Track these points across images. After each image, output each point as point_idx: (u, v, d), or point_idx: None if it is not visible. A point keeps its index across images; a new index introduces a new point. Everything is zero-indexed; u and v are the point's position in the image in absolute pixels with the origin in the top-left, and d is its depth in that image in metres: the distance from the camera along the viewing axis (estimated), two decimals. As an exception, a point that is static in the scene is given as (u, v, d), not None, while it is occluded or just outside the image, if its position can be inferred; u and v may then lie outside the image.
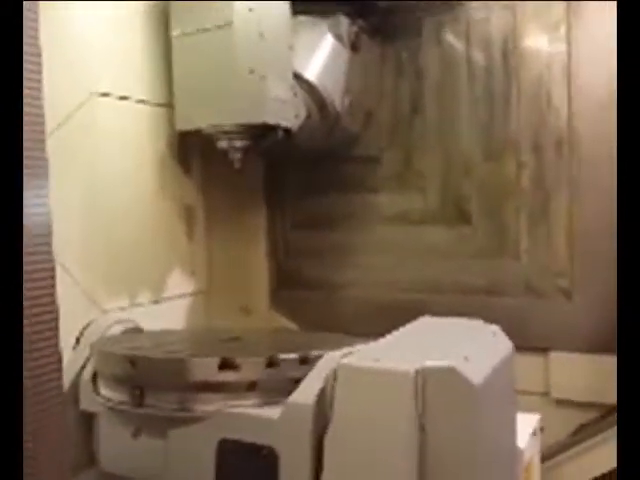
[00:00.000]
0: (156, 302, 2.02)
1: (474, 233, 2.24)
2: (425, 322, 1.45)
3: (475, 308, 2.12)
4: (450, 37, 2.29)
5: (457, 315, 1.51)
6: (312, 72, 2.15)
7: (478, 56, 2.25)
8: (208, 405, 1.32)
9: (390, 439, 1.08)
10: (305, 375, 1.26)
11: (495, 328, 1.38)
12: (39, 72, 1.03)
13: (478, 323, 1.42)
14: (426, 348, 1.22)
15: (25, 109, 0.98)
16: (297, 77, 2.08)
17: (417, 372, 1.08)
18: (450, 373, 1.07)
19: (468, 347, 1.19)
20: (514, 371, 1.33)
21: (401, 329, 1.38)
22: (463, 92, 2.27)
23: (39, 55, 1.04)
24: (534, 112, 2.15)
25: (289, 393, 1.25)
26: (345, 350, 1.26)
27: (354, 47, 2.32)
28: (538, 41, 2.15)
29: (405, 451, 1.07)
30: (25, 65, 0.98)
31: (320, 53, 2.21)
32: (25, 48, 0.99)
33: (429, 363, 1.09)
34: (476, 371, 1.10)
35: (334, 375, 1.17)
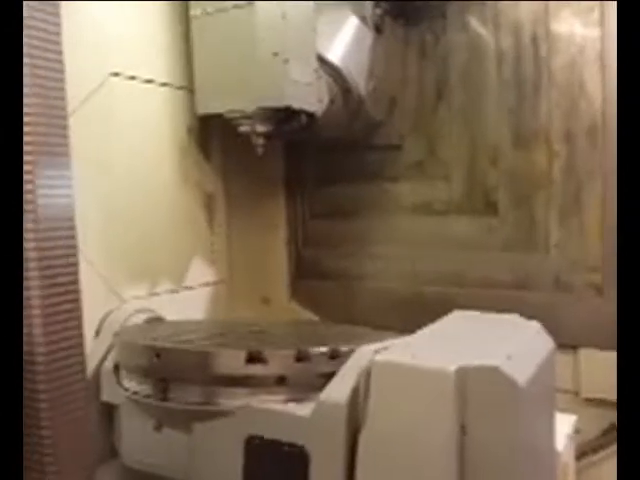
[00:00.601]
0: (176, 291, 1.98)
1: (501, 225, 2.17)
2: (459, 317, 1.39)
3: (501, 303, 2.07)
4: (476, 20, 2.21)
5: (482, 310, 1.45)
6: (336, 55, 2.08)
7: (506, 40, 2.17)
8: (235, 400, 1.28)
9: (429, 441, 1.03)
10: (335, 370, 1.21)
11: (535, 324, 1.32)
12: (59, 60, 0.98)
13: (516, 318, 1.36)
14: (465, 345, 1.17)
15: (46, 93, 0.94)
16: (320, 60, 2.02)
17: (458, 371, 1.02)
18: (493, 373, 1.01)
19: (509, 345, 1.13)
20: (555, 370, 1.28)
21: (435, 324, 1.33)
22: (490, 77, 2.19)
23: (58, 36, 0.99)
24: (566, 99, 2.07)
25: (319, 389, 1.20)
26: (377, 345, 1.21)
27: (378, 29, 2.25)
28: (570, 25, 2.07)
29: (444, 454, 1.02)
30: (45, 44, 0.94)
31: (344, 35, 2.14)
32: (46, 26, 0.94)
33: (470, 362, 1.03)
34: (520, 371, 1.04)
35: (367, 372, 1.12)
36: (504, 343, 1.15)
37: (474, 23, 2.21)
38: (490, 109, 2.19)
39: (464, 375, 1.03)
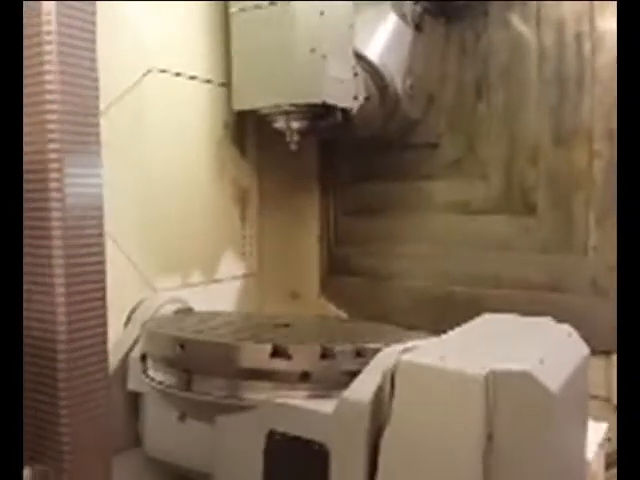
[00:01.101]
0: (207, 283, 1.99)
1: (538, 225, 2.12)
2: (490, 319, 1.35)
3: (535, 305, 2.02)
4: (518, 18, 2.16)
5: (516, 312, 1.41)
6: (374, 52, 2.05)
7: (548, 38, 2.11)
8: (257, 394, 1.27)
9: (454, 446, 1.00)
10: (360, 369, 1.19)
11: (568, 328, 1.27)
12: (92, 50, 0.99)
13: (548, 322, 1.32)
14: (495, 348, 1.13)
15: (80, 82, 0.94)
16: (358, 56, 1.99)
17: (487, 375, 0.99)
18: (524, 378, 0.98)
19: (542, 349, 1.09)
20: (588, 377, 1.23)
21: (464, 325, 1.29)
22: (531, 75, 2.14)
23: (93, 32, 1.00)
24: (609, 97, 1.99)
25: (343, 387, 1.18)
26: (404, 345, 1.19)
27: (418, 27, 2.21)
28: (616, 23, 2.00)
29: (470, 460, 0.99)
30: (80, 43, 0.95)
31: (382, 32, 2.11)
32: (80, 24, 0.95)
33: (501, 366, 1.00)
34: (552, 376, 1.00)
35: (393, 372, 1.10)
36: (536, 347, 1.11)
37: (516, 21, 2.15)
38: (530, 107, 2.13)
39: (493, 379, 0.99)
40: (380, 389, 1.11)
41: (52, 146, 0.89)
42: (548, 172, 2.10)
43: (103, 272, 0.97)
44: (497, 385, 0.99)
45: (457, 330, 1.26)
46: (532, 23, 2.12)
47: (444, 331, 1.27)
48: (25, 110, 0.92)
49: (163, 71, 1.81)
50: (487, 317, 1.36)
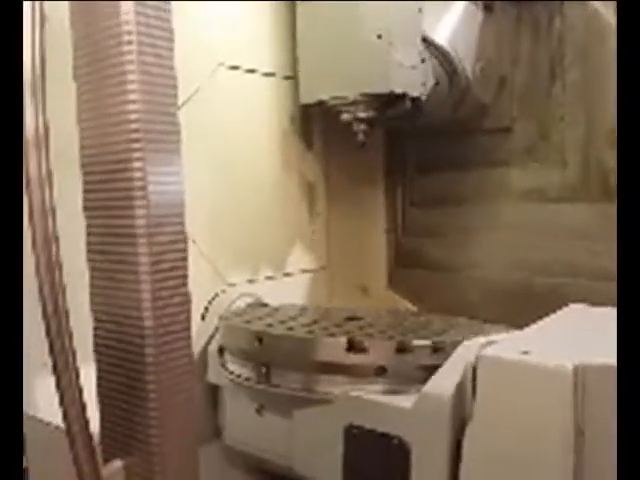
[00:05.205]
0: (277, 277, 2.01)
1: (619, 212, 2.01)
2: (575, 311, 1.30)
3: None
4: (596, -2, 2.05)
5: (597, 304, 1.34)
6: (442, 36, 2.00)
7: (630, 16, 1.99)
8: (334, 388, 1.27)
9: (542, 442, 0.96)
10: (438, 364, 1.17)
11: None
12: (170, 49, 1.00)
13: (639, 315, 1.24)
14: (582, 342, 1.08)
15: (160, 81, 0.96)
16: (425, 41, 1.95)
17: (576, 369, 0.95)
18: (616, 372, 0.93)
19: (634, 343, 1.03)
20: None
21: (548, 318, 1.24)
22: (610, 55, 2.03)
23: (170, 31, 1.01)
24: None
25: (419, 382, 1.17)
26: (484, 339, 1.15)
27: (488, 8, 2.14)
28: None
29: (559, 458, 0.95)
30: (158, 42, 0.96)
31: (451, 15, 2.05)
32: (156, 23, 0.96)
33: (591, 359, 0.95)
34: (646, 372, 0.95)
35: (474, 367, 1.07)
36: (628, 341, 1.05)
37: (594, 1, 2.05)
38: (609, 88, 2.02)
39: (583, 374, 0.95)
40: (461, 384, 1.09)
41: (135, 145, 0.92)
42: (631, 155, 1.99)
43: (186, 268, 0.99)
44: (587, 379, 0.95)
45: (540, 323, 1.21)
46: (611, 2, 2.01)
47: (522, 324, 1.22)
48: (107, 111, 0.95)
49: (231, 67, 1.83)
50: (571, 309, 1.31)
